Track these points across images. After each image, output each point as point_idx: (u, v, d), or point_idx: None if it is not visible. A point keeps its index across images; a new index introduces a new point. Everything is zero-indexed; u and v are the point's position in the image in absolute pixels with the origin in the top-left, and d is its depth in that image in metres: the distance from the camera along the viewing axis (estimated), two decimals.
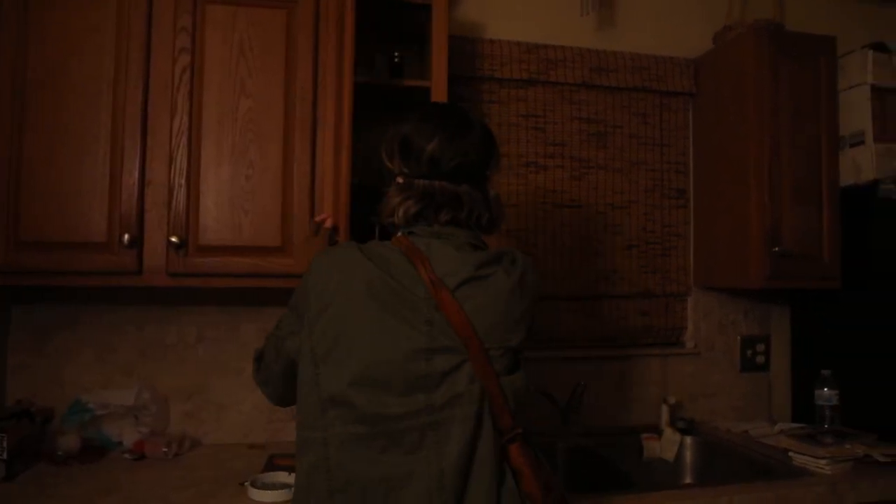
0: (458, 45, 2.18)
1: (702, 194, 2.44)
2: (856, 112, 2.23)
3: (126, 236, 1.60)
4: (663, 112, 2.47)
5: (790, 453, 1.93)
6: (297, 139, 1.71)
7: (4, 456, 1.58)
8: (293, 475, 1.55)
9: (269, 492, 1.52)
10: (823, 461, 1.82)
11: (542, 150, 2.32)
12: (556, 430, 2.13)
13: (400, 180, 1.19)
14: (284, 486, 1.55)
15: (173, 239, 1.62)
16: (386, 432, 1.03)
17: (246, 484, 1.55)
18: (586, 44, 2.39)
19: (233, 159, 1.68)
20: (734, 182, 2.23)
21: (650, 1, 2.49)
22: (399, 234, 1.18)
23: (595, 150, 2.39)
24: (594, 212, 2.37)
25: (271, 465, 1.73)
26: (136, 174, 1.63)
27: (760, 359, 2.54)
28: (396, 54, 2.00)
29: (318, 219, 1.58)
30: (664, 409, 2.28)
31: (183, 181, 1.65)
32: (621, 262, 2.40)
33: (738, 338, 2.52)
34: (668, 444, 2.17)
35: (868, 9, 2.76)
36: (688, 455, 2.18)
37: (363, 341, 1.05)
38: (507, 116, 2.29)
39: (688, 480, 2.15)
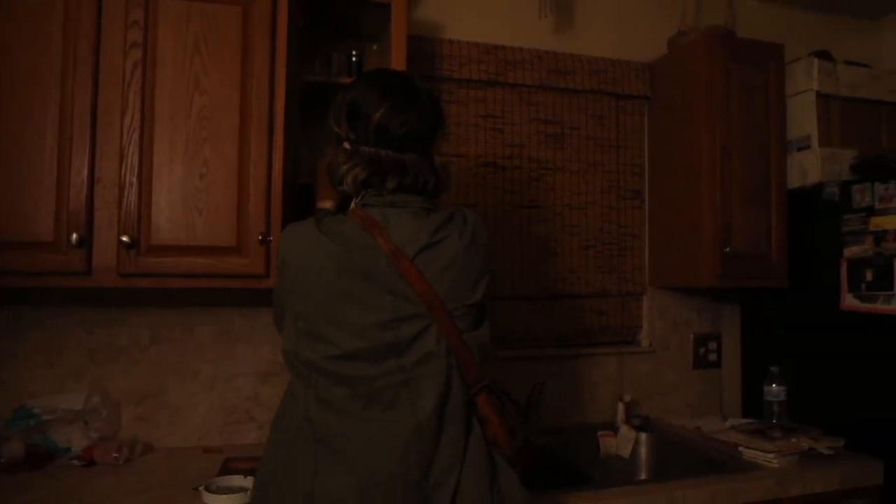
0: (418, 44, 2.18)
1: (657, 196, 2.49)
2: (802, 117, 2.31)
3: (74, 235, 1.55)
4: (620, 114, 2.51)
5: (740, 448, 1.98)
6: (253, 138, 1.68)
7: None
8: (249, 478, 1.54)
9: (225, 496, 1.49)
10: (771, 455, 1.88)
11: (500, 150, 2.34)
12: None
13: (347, 146, 1.24)
14: (241, 489, 1.52)
15: (124, 238, 1.58)
16: (365, 393, 1.13)
17: (200, 488, 1.52)
18: (545, 46, 2.41)
19: (187, 158, 1.64)
20: (687, 184, 2.28)
21: (607, 5, 2.53)
22: (353, 205, 1.22)
23: (553, 152, 2.41)
24: (552, 212, 2.40)
25: (227, 469, 1.70)
26: (86, 172, 1.58)
27: (712, 357, 2.60)
28: (354, 53, 1.99)
29: None
30: (620, 406, 2.32)
31: (134, 179, 1.61)
32: (579, 262, 2.43)
33: (692, 336, 2.58)
34: (623, 442, 2.20)
35: (813, 18, 2.86)
36: (643, 451, 2.22)
37: (333, 318, 1.13)
38: (467, 117, 2.30)
39: (643, 476, 2.19)
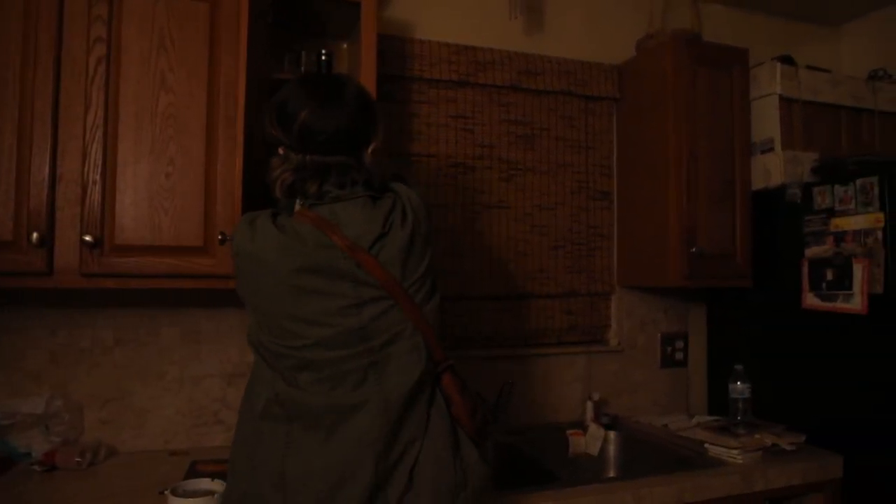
0: (389, 43, 2.17)
1: (625, 196, 2.52)
2: (766, 120, 2.36)
3: (35, 235, 1.51)
4: (589, 116, 2.54)
5: (706, 445, 2.02)
6: (220, 136, 1.66)
7: None
8: (217, 481, 1.52)
9: (191, 499, 1.46)
10: (736, 451, 1.92)
11: (471, 151, 2.35)
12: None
13: (280, 151, 1.26)
14: (208, 492, 1.50)
15: (87, 238, 1.54)
16: (330, 376, 1.17)
17: (166, 492, 1.49)
18: (515, 47, 2.42)
19: (152, 156, 1.62)
20: (654, 185, 2.32)
21: (577, 7, 2.56)
22: (298, 207, 1.25)
23: (523, 152, 2.43)
24: (522, 213, 2.41)
25: (194, 472, 1.67)
26: (47, 169, 1.54)
27: (679, 355, 2.64)
28: (324, 51, 1.97)
29: None
30: (589, 405, 2.35)
31: (98, 177, 1.57)
32: (548, 262, 2.45)
33: (659, 335, 2.62)
34: (592, 440, 2.23)
35: (777, 24, 2.92)
36: (611, 449, 2.24)
37: (294, 313, 1.17)
38: (437, 117, 2.30)
39: (611, 474, 2.21)
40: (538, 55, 2.44)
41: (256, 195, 1.62)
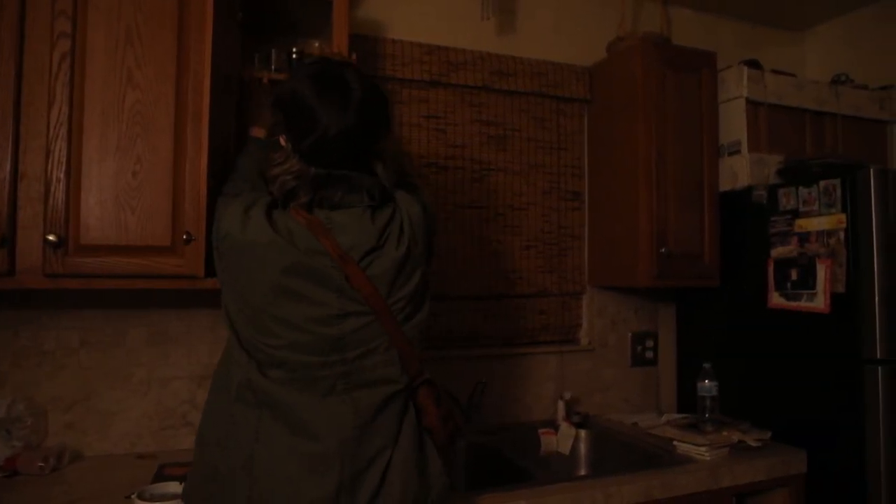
0: (361, 43, 2.16)
1: (596, 197, 2.54)
2: (733, 123, 2.40)
3: None
4: (560, 117, 2.56)
5: (675, 442, 2.05)
6: (188, 134, 1.63)
7: None
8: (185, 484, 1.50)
9: None
10: (703, 448, 1.95)
11: (443, 151, 2.35)
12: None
13: (283, 143, 1.23)
14: (176, 496, 1.48)
15: (50, 238, 1.50)
16: (302, 378, 1.18)
17: (133, 496, 1.47)
18: (487, 48, 2.43)
19: (118, 154, 1.58)
20: (624, 186, 2.34)
21: (549, 9, 2.58)
22: (293, 205, 1.23)
23: (495, 153, 2.44)
24: (494, 213, 2.42)
25: (162, 476, 1.65)
26: (8, 167, 1.50)
27: (649, 354, 2.68)
28: (294, 50, 1.96)
29: None
30: (560, 404, 2.36)
31: (62, 175, 1.54)
32: (520, 262, 2.46)
33: (629, 334, 2.64)
34: (563, 438, 2.24)
35: (743, 28, 2.98)
36: (582, 448, 2.26)
37: (277, 314, 1.17)
38: (409, 117, 2.30)
39: (582, 472, 2.23)
40: (510, 56, 2.45)
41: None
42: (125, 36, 1.60)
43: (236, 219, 1.20)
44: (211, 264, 1.62)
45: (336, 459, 1.16)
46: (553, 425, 2.32)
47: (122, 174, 1.58)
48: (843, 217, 1.97)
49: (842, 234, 1.97)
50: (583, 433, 2.26)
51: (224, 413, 1.22)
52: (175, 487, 1.53)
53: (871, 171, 1.92)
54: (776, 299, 2.18)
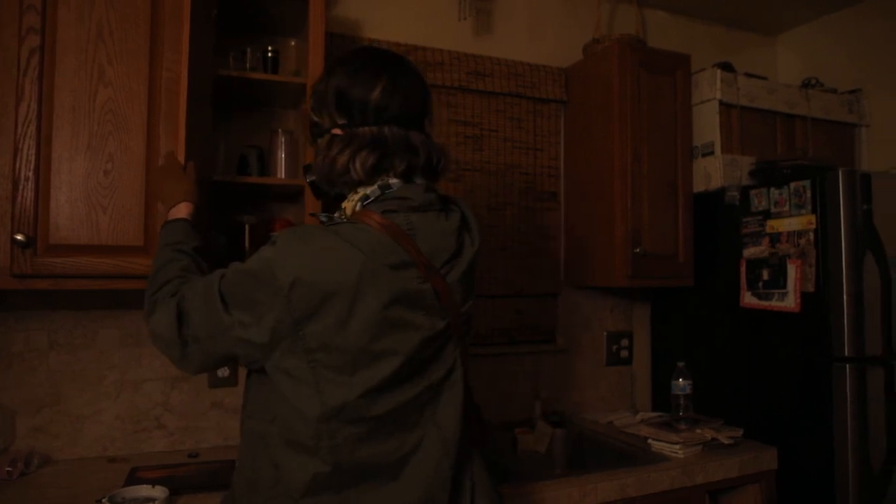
0: (338, 42, 2.15)
1: (572, 198, 2.56)
2: (706, 125, 2.44)
3: None
4: (536, 118, 2.57)
5: (649, 440, 2.07)
6: (162, 133, 1.61)
7: None
8: (158, 488, 1.48)
9: None
10: (677, 446, 1.97)
11: None
12: None
13: (338, 132, 1.10)
14: (148, 499, 1.46)
15: (18, 237, 1.47)
16: (390, 421, 1.04)
17: (104, 500, 1.44)
18: (464, 48, 2.44)
19: (90, 152, 1.56)
20: (600, 186, 2.36)
21: (526, 10, 2.59)
22: (361, 208, 1.08)
23: (471, 153, 2.44)
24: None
25: (134, 479, 1.62)
26: None
27: (624, 353, 2.70)
28: (270, 48, 1.94)
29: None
30: (537, 403, 2.37)
31: (31, 174, 1.51)
32: (496, 262, 2.46)
33: (605, 334, 2.67)
34: (540, 437, 2.25)
35: (717, 31, 3.02)
36: (559, 446, 2.27)
37: (367, 344, 0.99)
38: None
39: (559, 471, 2.24)
40: (487, 57, 2.46)
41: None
42: (96, 32, 1.57)
43: (302, 251, 1.00)
44: None
45: (443, 500, 1.08)
46: (530, 424, 2.33)
47: (94, 173, 1.56)
48: (812, 218, 2.01)
49: (812, 235, 2.01)
50: (559, 432, 2.28)
51: None
52: (147, 491, 1.50)
53: (840, 172, 1.96)
54: (748, 299, 2.22)
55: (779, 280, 2.10)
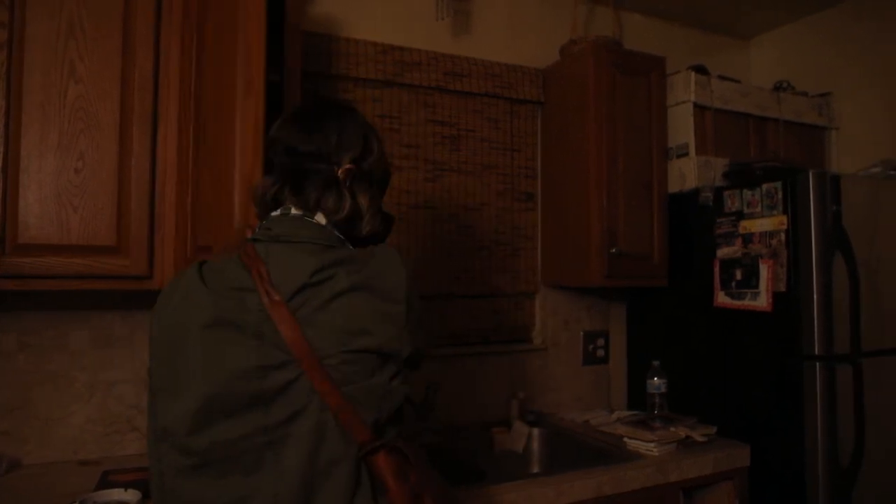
0: (314, 41, 2.14)
1: (548, 198, 2.57)
2: (681, 126, 2.47)
3: None
4: (514, 118, 2.58)
5: (625, 439, 2.09)
6: (135, 132, 1.59)
7: None
8: (131, 491, 1.46)
9: None
10: (652, 444, 1.99)
11: (396, 151, 2.34)
12: (409, 431, 2.15)
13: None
14: (120, 503, 1.44)
15: None
16: (219, 459, 0.96)
17: None
18: (442, 48, 2.44)
19: (60, 150, 1.53)
20: (576, 186, 2.38)
21: (503, 11, 2.59)
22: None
23: (448, 154, 2.44)
24: (447, 213, 2.43)
25: (106, 482, 1.60)
26: None
27: (600, 352, 2.72)
28: None
29: None
30: (514, 403, 2.38)
31: None
32: (473, 262, 2.47)
33: (581, 333, 2.68)
34: (517, 437, 2.26)
35: (692, 34, 3.06)
36: (536, 445, 2.29)
37: (192, 369, 0.97)
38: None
39: (536, 470, 2.26)
40: (464, 57, 2.46)
41: None
42: (67, 27, 1.54)
43: (165, 288, 1.08)
44: (157, 265, 1.60)
45: None
46: (507, 424, 2.33)
47: (64, 171, 1.53)
48: (784, 219, 2.05)
49: (783, 235, 2.05)
50: (536, 431, 2.29)
51: None
52: (120, 494, 1.48)
53: (811, 174, 2.00)
54: (721, 298, 2.25)
55: (751, 280, 2.13)
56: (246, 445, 0.97)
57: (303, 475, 0.96)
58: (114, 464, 1.78)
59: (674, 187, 2.46)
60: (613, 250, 2.26)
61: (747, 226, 2.17)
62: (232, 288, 1.01)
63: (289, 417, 0.97)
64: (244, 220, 1.59)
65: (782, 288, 2.04)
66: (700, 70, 2.52)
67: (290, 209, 1.12)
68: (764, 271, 2.09)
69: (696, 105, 2.45)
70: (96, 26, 1.57)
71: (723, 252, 2.25)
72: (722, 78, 2.56)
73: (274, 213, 1.13)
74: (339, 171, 1.13)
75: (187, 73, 1.65)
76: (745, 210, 2.17)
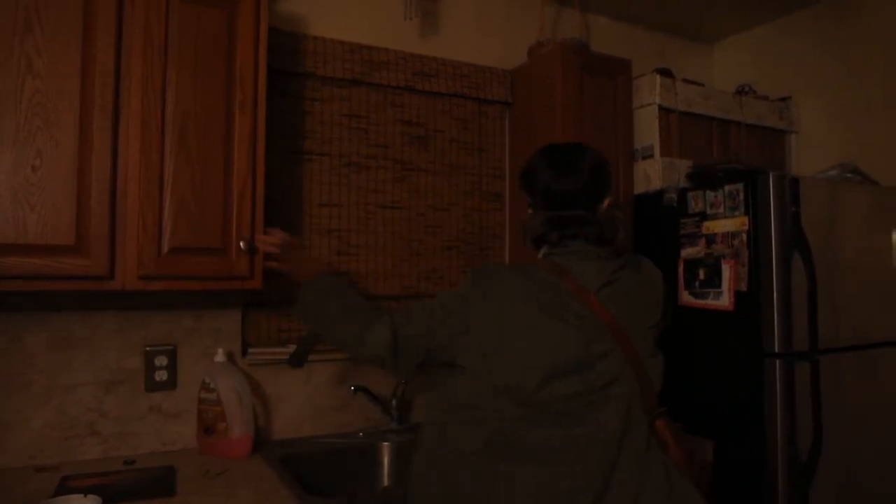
0: (281, 39, 2.12)
1: (516, 198, 2.59)
2: (646, 128, 2.50)
3: None
4: (482, 119, 2.59)
5: None
6: (95, 128, 1.55)
7: None
8: (91, 497, 1.43)
9: None
10: None
11: (364, 150, 2.33)
12: (379, 430, 2.15)
13: (529, 210, 1.52)
14: None
15: None
16: (554, 411, 1.26)
17: None
18: (410, 48, 2.43)
19: (16, 147, 1.49)
20: None
21: (471, 12, 2.60)
22: (539, 256, 1.45)
23: (417, 153, 2.44)
24: (415, 213, 2.42)
25: (64, 488, 1.56)
26: None
27: None
28: None
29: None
30: None
31: None
32: (441, 262, 2.47)
33: None
34: None
35: (657, 38, 3.10)
36: None
37: (526, 336, 1.28)
38: (330, 116, 2.27)
39: None
40: (433, 57, 2.46)
41: None
42: (23, 20, 1.50)
43: (480, 277, 1.38)
44: (119, 265, 1.56)
45: (588, 495, 1.22)
46: None
47: (21, 169, 1.49)
48: (745, 220, 2.09)
49: (745, 236, 2.09)
50: None
51: (458, 472, 1.29)
52: (79, 501, 1.44)
53: (771, 176, 2.04)
54: (686, 297, 2.28)
55: (714, 279, 2.17)
56: (571, 404, 1.26)
57: (617, 430, 1.26)
58: (73, 469, 1.73)
59: (639, 188, 2.49)
60: None
61: (710, 226, 2.21)
62: (549, 286, 1.33)
63: (607, 383, 1.28)
64: (240, 226, 1.72)
65: (744, 287, 2.08)
66: (665, 73, 2.56)
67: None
68: (726, 271, 2.14)
69: (661, 108, 2.49)
70: (55, 21, 1.53)
71: (687, 252, 2.29)
72: (686, 81, 2.61)
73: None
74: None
75: (151, 68, 1.62)
76: (709, 211, 2.21)
